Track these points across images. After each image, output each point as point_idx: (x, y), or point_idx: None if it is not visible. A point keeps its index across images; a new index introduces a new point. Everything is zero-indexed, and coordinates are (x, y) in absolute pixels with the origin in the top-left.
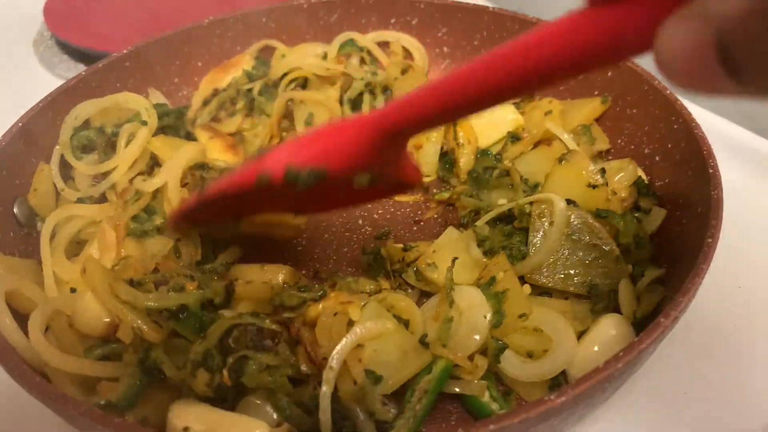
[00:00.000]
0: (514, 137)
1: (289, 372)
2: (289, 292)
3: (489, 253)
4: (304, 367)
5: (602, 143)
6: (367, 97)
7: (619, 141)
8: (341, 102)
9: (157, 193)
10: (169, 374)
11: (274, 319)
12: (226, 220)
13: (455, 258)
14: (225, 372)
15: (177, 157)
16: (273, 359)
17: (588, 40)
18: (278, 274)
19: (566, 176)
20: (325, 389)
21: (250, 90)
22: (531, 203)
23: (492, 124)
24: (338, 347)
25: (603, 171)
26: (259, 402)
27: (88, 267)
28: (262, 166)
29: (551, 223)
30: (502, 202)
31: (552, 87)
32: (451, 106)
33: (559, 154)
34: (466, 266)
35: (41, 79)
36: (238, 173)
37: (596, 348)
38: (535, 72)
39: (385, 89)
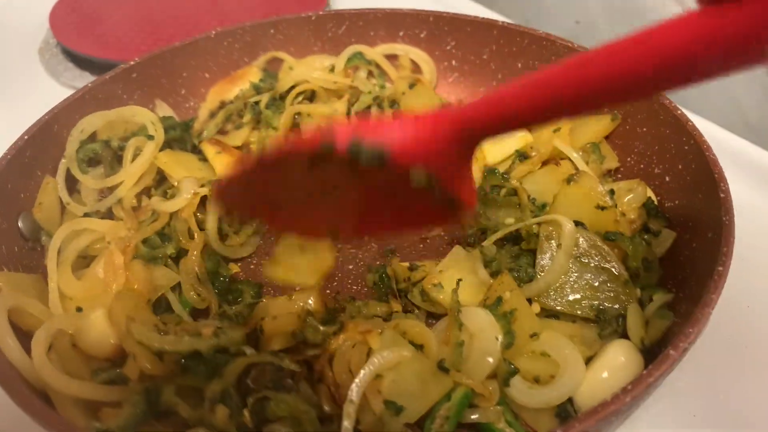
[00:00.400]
0: (522, 156)
1: (312, 413)
2: (312, 328)
3: (496, 274)
4: (326, 407)
5: (612, 161)
6: (374, 111)
7: (628, 159)
8: (349, 115)
9: (173, 216)
10: (185, 416)
11: (295, 357)
12: (264, 213)
13: (459, 279)
14: (246, 413)
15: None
16: (294, 399)
17: (704, 42)
18: (308, 299)
19: (574, 197)
20: (347, 424)
21: (257, 103)
22: (539, 224)
23: (500, 141)
24: (357, 380)
25: (612, 192)
26: (283, 430)
27: (116, 301)
28: (328, 133)
29: (559, 246)
30: (509, 221)
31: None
32: (537, 108)
33: (568, 174)
34: (472, 287)
35: (47, 87)
36: (303, 137)
37: (605, 375)
38: (649, 72)
39: (393, 103)
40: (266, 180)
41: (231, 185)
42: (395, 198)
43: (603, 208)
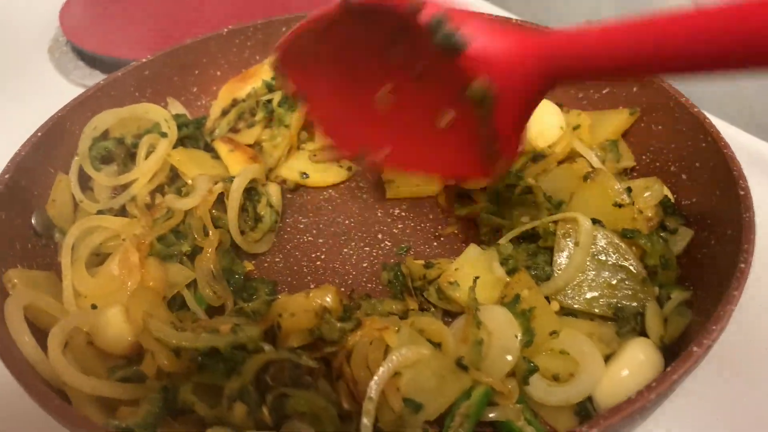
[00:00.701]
0: (537, 156)
1: (332, 410)
2: (329, 325)
3: (512, 272)
4: (345, 405)
5: (628, 160)
6: None
7: (644, 158)
8: None
9: (188, 213)
10: (203, 414)
11: (313, 354)
12: (314, 90)
13: (476, 277)
14: (265, 410)
15: (240, 178)
16: (314, 396)
17: None
18: (326, 297)
19: (592, 195)
20: (366, 421)
21: (269, 101)
22: (556, 222)
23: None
24: (376, 377)
25: (629, 190)
26: (303, 427)
27: (132, 298)
28: (420, 1)
29: (577, 243)
30: (524, 220)
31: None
32: (638, 56)
33: (584, 172)
34: (489, 285)
35: (56, 86)
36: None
37: (625, 373)
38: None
39: None
40: (335, 41)
41: (301, 38)
42: (434, 126)
43: (620, 206)
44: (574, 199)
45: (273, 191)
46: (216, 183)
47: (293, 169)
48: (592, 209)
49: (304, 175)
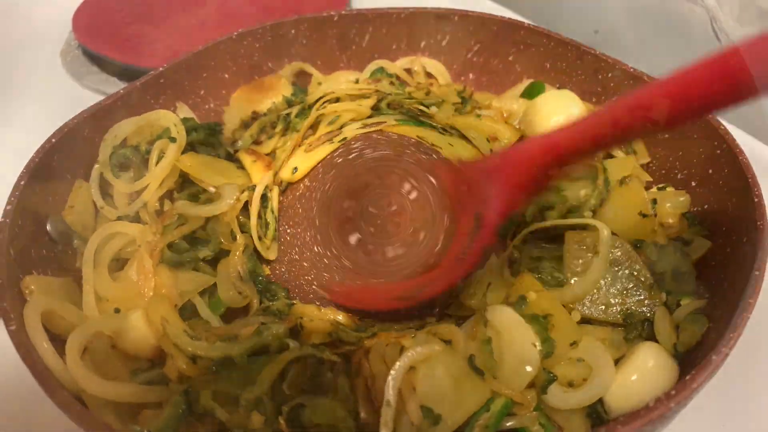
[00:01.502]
0: None
1: (350, 420)
2: (345, 331)
3: (516, 274)
4: (363, 413)
5: (643, 157)
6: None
7: (649, 165)
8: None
9: (212, 219)
10: (223, 420)
11: (334, 351)
12: None
13: (489, 283)
14: (282, 421)
15: (260, 186)
16: (331, 404)
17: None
18: (337, 316)
19: (624, 199)
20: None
21: (288, 114)
22: (564, 228)
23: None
24: (393, 371)
25: (654, 201)
26: None
27: (151, 304)
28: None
29: (595, 253)
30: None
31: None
32: (603, 139)
33: (621, 176)
34: (499, 289)
35: (68, 90)
36: None
37: (634, 377)
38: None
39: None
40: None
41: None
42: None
43: (645, 216)
44: (608, 201)
45: (275, 196)
46: (243, 191)
47: (289, 167)
48: (622, 214)
49: (294, 170)
